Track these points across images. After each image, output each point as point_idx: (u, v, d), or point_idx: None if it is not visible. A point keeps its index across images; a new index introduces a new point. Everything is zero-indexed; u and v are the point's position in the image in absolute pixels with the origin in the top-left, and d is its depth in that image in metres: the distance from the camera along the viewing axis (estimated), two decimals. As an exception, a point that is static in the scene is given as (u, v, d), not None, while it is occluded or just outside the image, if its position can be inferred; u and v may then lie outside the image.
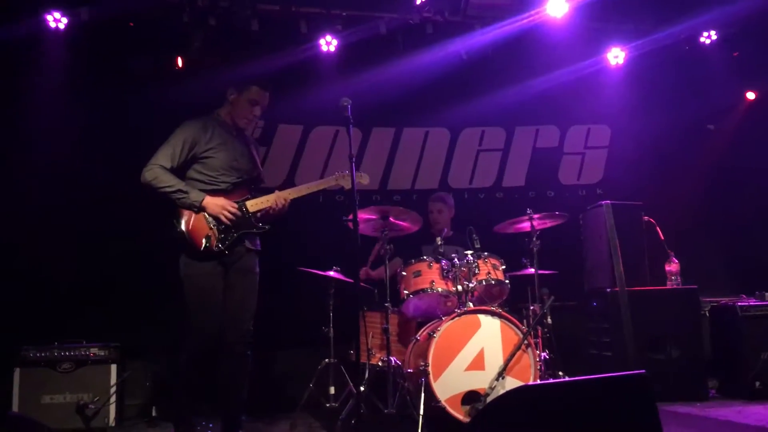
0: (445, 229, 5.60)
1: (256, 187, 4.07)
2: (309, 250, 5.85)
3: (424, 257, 4.80)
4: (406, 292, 4.71)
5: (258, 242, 4.04)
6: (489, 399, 4.16)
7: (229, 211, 3.81)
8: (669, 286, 5.71)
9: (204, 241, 3.77)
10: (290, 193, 4.03)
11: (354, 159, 3.70)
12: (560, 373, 4.88)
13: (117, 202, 5.69)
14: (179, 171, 3.86)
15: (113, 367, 5.03)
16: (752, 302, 5.54)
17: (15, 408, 4.75)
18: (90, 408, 4.87)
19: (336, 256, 5.19)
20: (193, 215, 3.80)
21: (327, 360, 4.99)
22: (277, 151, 6.50)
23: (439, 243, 4.90)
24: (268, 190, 4.08)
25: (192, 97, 5.54)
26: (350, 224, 3.82)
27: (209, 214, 3.80)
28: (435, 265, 4.71)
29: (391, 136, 6.93)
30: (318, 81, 6.25)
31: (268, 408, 5.40)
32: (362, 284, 5.08)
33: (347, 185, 4.06)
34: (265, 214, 3.96)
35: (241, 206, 3.89)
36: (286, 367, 5.92)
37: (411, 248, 5.38)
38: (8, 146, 5.59)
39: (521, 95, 6.67)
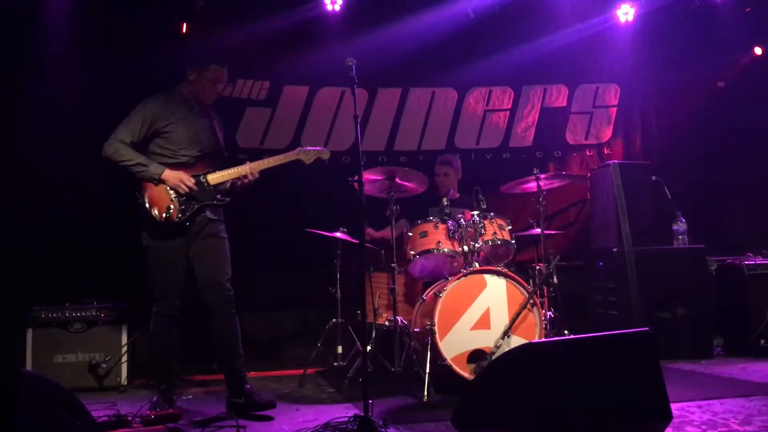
0: (452, 191, 5.59)
1: (219, 161, 4.12)
2: (316, 211, 5.85)
3: (431, 218, 4.80)
4: (412, 252, 4.72)
5: (221, 213, 4.11)
6: (494, 357, 4.20)
7: (186, 184, 3.89)
8: (676, 245, 5.71)
9: (165, 212, 3.87)
10: (258, 165, 4.06)
11: (359, 120, 3.68)
12: (565, 331, 4.92)
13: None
14: (141, 145, 3.96)
15: (124, 327, 5.09)
16: (759, 261, 5.54)
17: (28, 367, 4.83)
18: (102, 367, 4.95)
19: (342, 217, 5.20)
20: (155, 188, 3.90)
21: (334, 320, 5.04)
22: (283, 113, 6.46)
23: (446, 204, 4.90)
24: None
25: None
26: (356, 185, 3.81)
27: (170, 187, 3.90)
28: (441, 226, 4.72)
29: (397, 97, 6.88)
30: (323, 41, 6.19)
31: (277, 367, 5.48)
32: (368, 245, 5.10)
33: (308, 160, 4.14)
34: (232, 186, 4.05)
35: (202, 179, 3.96)
36: (295, 326, 5.99)
37: (418, 210, 5.38)
38: (16, 106, 5.57)
39: (529, 54, 6.59)
